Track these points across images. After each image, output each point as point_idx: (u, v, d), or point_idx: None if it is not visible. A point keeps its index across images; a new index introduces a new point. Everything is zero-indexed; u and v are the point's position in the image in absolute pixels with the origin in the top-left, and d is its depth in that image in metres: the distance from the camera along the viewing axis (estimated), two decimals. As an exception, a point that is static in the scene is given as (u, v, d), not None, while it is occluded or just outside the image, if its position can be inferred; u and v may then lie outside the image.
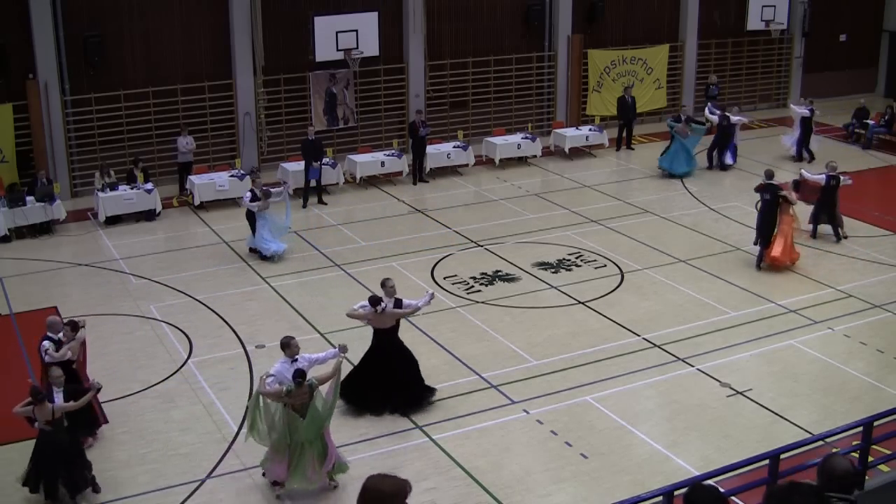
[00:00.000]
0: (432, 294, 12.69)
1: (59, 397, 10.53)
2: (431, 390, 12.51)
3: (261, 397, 10.43)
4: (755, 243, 17.20)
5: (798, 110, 24.26)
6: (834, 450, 10.27)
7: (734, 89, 29.09)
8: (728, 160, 23.45)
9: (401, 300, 12.19)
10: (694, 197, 21.32)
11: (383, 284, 12.30)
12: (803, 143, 23.97)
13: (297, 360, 10.80)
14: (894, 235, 18.85)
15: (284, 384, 10.38)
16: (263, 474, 10.83)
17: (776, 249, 16.74)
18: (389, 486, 5.12)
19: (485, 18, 25.41)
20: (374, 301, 12.03)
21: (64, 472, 10.40)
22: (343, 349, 11.20)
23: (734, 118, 23.43)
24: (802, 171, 19.59)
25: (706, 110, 24.42)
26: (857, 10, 30.53)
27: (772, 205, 16.75)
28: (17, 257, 18.03)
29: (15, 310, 15.61)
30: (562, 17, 25.94)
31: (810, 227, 18.38)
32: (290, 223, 18.08)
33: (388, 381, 12.19)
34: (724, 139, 23.35)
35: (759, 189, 17.25)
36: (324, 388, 10.62)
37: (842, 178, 18.40)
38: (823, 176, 18.32)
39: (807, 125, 23.93)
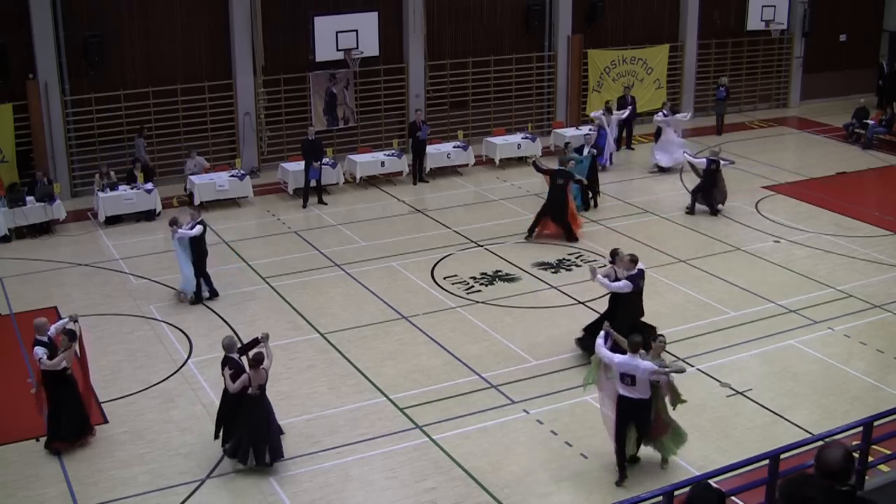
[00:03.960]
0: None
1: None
2: None
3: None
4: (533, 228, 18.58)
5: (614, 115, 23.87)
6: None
7: (734, 89, 29.00)
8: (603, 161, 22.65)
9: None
10: (694, 197, 21.29)
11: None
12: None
13: (641, 354, 11.00)
14: (894, 235, 18.85)
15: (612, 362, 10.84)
16: None
17: (576, 223, 18.68)
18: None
19: (485, 19, 25.40)
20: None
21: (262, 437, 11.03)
22: (680, 369, 11.37)
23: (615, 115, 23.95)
24: (686, 153, 21.38)
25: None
26: (857, 10, 30.53)
27: (564, 188, 18.43)
28: (17, 257, 18.03)
29: (15, 310, 15.60)
30: (562, 17, 25.94)
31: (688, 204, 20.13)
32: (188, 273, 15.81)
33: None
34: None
35: (549, 172, 18.67)
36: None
37: (722, 161, 20.01)
38: (704, 160, 20.02)
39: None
